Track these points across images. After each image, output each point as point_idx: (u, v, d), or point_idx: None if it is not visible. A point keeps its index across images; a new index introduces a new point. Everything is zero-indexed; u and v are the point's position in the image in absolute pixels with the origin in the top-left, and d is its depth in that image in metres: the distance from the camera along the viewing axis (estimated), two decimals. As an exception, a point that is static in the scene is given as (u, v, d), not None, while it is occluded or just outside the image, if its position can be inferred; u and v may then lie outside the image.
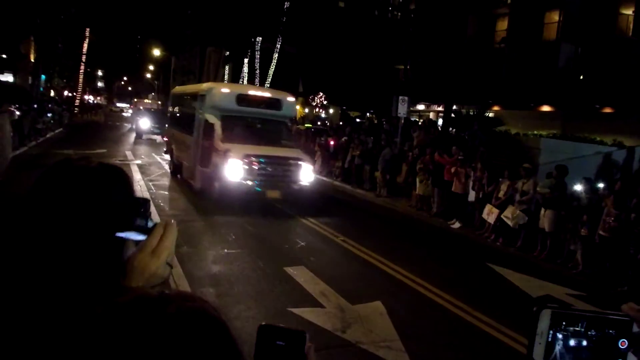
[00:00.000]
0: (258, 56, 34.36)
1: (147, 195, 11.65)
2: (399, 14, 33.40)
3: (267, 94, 13.00)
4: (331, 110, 38.72)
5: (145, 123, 28.39)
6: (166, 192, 12.56)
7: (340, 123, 29.06)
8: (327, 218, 11.02)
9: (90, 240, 1.01)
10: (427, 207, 13.19)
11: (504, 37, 27.72)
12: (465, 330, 5.93)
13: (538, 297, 7.38)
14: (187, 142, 13.44)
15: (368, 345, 5.12)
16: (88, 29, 46.91)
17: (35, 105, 22.72)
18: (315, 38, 30.26)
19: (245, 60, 35.13)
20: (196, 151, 12.32)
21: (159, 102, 52.95)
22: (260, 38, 34.09)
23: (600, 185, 10.59)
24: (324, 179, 17.84)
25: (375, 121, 27.19)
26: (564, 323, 0.72)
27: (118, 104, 70.79)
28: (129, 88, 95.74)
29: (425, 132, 18.07)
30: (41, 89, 36.21)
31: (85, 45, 47.70)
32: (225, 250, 8.00)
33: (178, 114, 16.24)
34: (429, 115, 32.04)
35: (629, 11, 24.40)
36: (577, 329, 0.72)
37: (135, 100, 55.27)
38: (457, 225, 11.88)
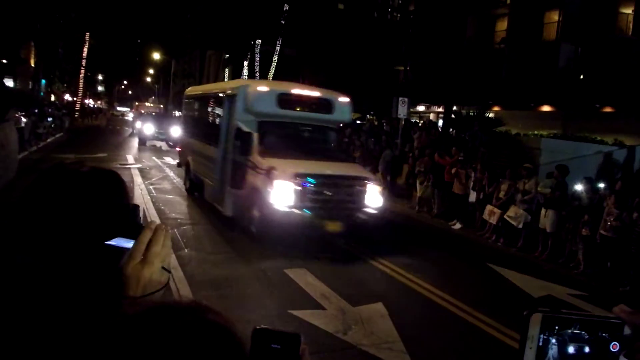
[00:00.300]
0: (258, 59, 34.40)
1: (147, 198, 11.66)
2: (399, 15, 33.45)
3: (316, 93, 10.28)
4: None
5: (149, 128, 26.86)
6: (168, 196, 12.56)
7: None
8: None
9: (79, 246, 1.01)
10: (427, 209, 13.18)
11: (503, 37, 27.73)
12: (466, 331, 5.92)
13: (539, 297, 7.38)
14: (209, 155, 10.84)
15: (369, 347, 5.12)
16: (88, 33, 46.99)
17: (36, 110, 22.76)
18: (314, 40, 30.29)
19: (245, 63, 35.18)
20: (224, 168, 9.83)
21: (161, 106, 52.75)
22: (260, 41, 34.14)
23: (601, 185, 10.59)
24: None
25: (376, 123, 27.21)
26: (556, 327, 0.72)
27: (119, 108, 70.70)
28: (129, 92, 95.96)
29: (426, 133, 18.07)
30: (41, 93, 36.29)
31: (85, 50, 47.78)
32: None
33: (195, 120, 13.59)
34: (429, 117, 32.05)
35: (628, 10, 24.40)
36: (569, 332, 0.72)
37: (136, 103, 54.87)
38: (458, 226, 11.88)
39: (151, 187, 13.43)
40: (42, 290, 0.96)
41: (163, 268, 1.06)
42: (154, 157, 20.91)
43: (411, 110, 20.85)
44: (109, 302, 1.00)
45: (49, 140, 22.96)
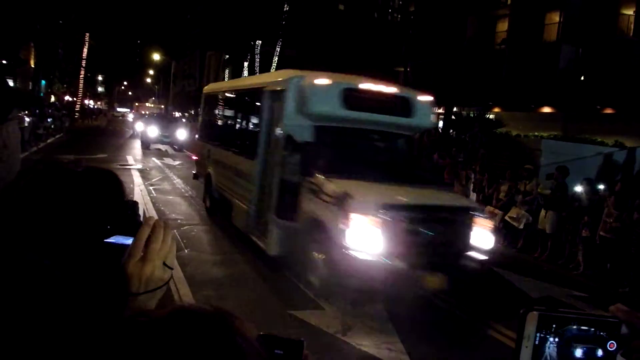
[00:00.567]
0: (258, 59, 34.43)
1: (147, 199, 11.67)
2: (399, 16, 33.48)
3: (393, 89, 7.84)
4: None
5: (153, 131, 25.12)
6: (168, 197, 12.56)
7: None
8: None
9: (78, 244, 1.01)
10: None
11: (504, 38, 27.75)
12: (466, 331, 5.92)
13: (539, 298, 7.37)
14: (241, 170, 8.52)
15: (369, 347, 5.12)
16: (88, 34, 47.05)
17: (37, 111, 22.78)
18: (315, 41, 30.32)
19: (245, 64, 35.21)
20: (266, 188, 7.53)
21: (162, 106, 52.32)
22: (260, 41, 34.18)
23: (601, 186, 10.59)
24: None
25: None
26: (553, 326, 0.72)
27: (119, 109, 70.64)
28: (130, 93, 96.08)
29: (428, 134, 18.06)
30: (41, 94, 36.32)
31: (85, 50, 47.84)
32: None
33: (219, 123, 11.26)
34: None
35: (629, 11, 24.41)
36: (566, 331, 0.72)
37: (137, 104, 54.18)
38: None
39: (151, 187, 13.43)
40: (57, 288, 0.96)
41: (164, 265, 1.06)
42: (154, 158, 20.91)
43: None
44: (113, 300, 1.01)
45: (49, 140, 22.97)
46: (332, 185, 6.14)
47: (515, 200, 10.38)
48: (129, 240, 1.04)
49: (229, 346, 0.63)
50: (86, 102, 61.89)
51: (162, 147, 25.09)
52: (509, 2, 28.14)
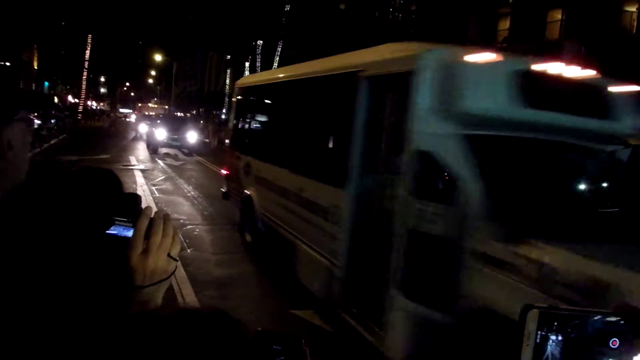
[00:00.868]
0: (259, 60, 34.46)
1: (150, 199, 11.69)
2: (400, 15, 33.46)
3: (590, 72, 4.63)
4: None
5: (160, 133, 23.02)
6: (170, 197, 12.59)
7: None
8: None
9: (80, 238, 1.03)
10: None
11: (505, 36, 27.71)
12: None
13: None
14: (313, 200, 5.68)
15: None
16: (90, 36, 47.21)
17: (41, 112, 22.88)
18: (316, 41, 30.34)
19: (247, 64, 35.25)
20: (371, 241, 4.64)
21: (166, 107, 51.71)
22: (261, 42, 34.21)
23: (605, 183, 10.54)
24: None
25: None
26: (555, 323, 0.71)
27: (121, 110, 70.78)
28: (132, 94, 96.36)
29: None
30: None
31: (88, 52, 47.99)
32: None
33: (266, 128, 8.22)
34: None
35: (632, 8, 24.34)
36: (568, 329, 0.71)
37: (140, 105, 53.43)
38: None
39: (154, 187, 13.46)
40: (67, 281, 0.98)
41: (169, 256, 1.06)
42: (157, 159, 20.96)
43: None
44: (118, 292, 1.03)
45: (52, 142, 23.05)
46: (563, 262, 3.06)
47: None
48: (129, 232, 1.04)
49: (231, 345, 0.63)
50: (89, 103, 62.11)
51: (171, 152, 23.20)
52: (510, 0, 28.11)
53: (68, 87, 52.73)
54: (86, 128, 38.62)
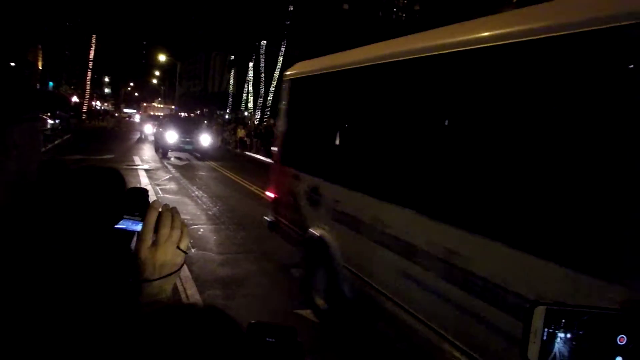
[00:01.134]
0: (263, 60, 34.49)
1: (153, 199, 11.70)
2: (404, 15, 33.42)
3: None
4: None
5: (171, 136, 21.19)
6: (174, 197, 12.61)
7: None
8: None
9: (86, 233, 1.04)
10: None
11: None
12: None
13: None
14: (495, 283, 2.82)
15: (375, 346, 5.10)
16: (94, 36, 47.34)
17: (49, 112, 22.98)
18: (320, 40, 30.33)
19: (250, 64, 35.27)
20: None
21: (173, 107, 50.29)
22: (265, 42, 34.23)
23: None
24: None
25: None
26: (563, 321, 0.71)
27: (125, 110, 70.58)
28: (136, 94, 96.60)
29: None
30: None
31: (92, 52, 48.12)
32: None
33: (359, 139, 4.99)
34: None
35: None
36: (576, 326, 0.71)
37: (145, 104, 51.40)
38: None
39: (158, 187, 13.49)
40: (78, 273, 1.00)
41: (178, 248, 1.07)
42: (160, 158, 21.00)
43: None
44: (128, 286, 1.04)
45: (56, 142, 23.10)
46: None
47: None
48: (138, 226, 1.05)
49: (223, 337, 0.63)
50: (93, 103, 62.25)
51: (183, 156, 21.82)
52: (514, 0, 28.02)
53: (72, 87, 52.86)
54: (90, 128, 38.70)
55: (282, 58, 33.42)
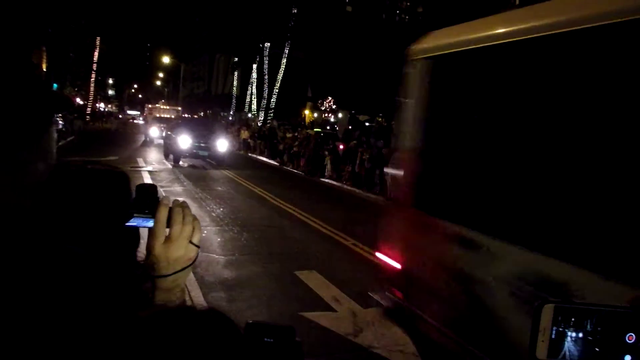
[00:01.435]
0: (266, 62, 34.53)
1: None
2: (407, 17, 33.41)
3: None
4: (340, 115, 38.80)
5: (184, 141, 18.85)
6: (179, 199, 12.61)
7: (349, 127, 29.10)
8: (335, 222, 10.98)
9: (98, 231, 1.06)
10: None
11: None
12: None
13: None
14: None
15: (380, 349, 5.09)
16: (99, 38, 47.48)
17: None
18: (323, 43, 30.34)
19: (254, 66, 35.32)
20: None
21: (179, 108, 47.67)
22: (269, 44, 34.29)
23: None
24: (334, 183, 17.97)
25: (385, 124, 27.16)
26: (572, 319, 0.71)
27: (129, 112, 70.39)
28: (140, 95, 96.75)
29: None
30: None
31: (96, 54, 48.27)
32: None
33: None
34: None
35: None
36: (584, 324, 0.71)
37: (150, 106, 48.34)
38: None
39: (162, 189, 13.51)
40: (93, 274, 1.01)
41: (191, 243, 1.08)
42: (164, 160, 21.03)
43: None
44: (140, 284, 1.06)
45: (60, 143, 23.17)
46: None
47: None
48: (150, 222, 1.06)
49: (221, 337, 0.64)
50: (97, 105, 62.37)
51: (197, 163, 19.94)
52: (517, 2, 27.99)
53: (76, 89, 53.01)
54: (94, 129, 38.78)
55: (285, 60, 33.46)
